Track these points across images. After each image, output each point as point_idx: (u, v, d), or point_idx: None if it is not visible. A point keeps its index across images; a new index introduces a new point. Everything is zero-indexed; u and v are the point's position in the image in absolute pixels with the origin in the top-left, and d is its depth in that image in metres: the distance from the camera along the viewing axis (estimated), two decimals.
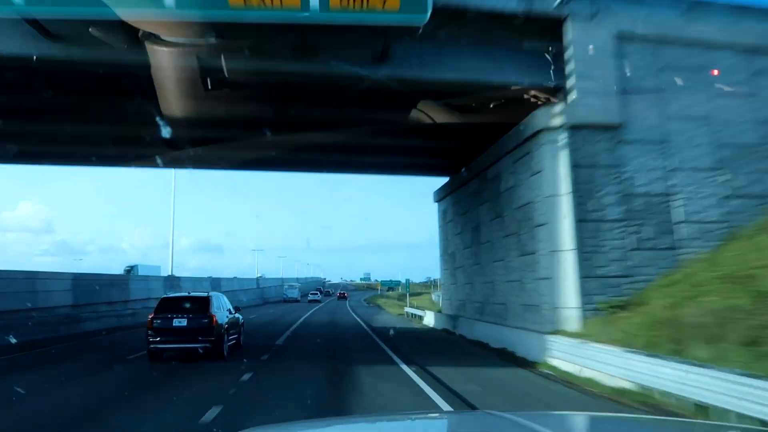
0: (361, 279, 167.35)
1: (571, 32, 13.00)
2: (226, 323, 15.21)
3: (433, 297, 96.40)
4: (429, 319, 28.00)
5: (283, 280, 79.51)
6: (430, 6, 9.67)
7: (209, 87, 12.45)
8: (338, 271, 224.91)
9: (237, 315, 17.01)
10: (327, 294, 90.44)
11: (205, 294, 15.22)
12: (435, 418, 3.50)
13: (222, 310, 15.53)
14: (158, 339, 14.01)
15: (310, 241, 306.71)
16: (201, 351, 14.17)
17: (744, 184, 13.38)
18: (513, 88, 13.75)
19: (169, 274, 41.02)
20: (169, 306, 14.60)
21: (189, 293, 15.80)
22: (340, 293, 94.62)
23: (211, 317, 14.36)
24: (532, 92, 13.84)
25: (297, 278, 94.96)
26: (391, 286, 72.20)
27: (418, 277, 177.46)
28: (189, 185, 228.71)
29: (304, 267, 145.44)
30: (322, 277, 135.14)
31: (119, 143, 18.12)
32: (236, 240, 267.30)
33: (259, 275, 77.73)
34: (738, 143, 13.53)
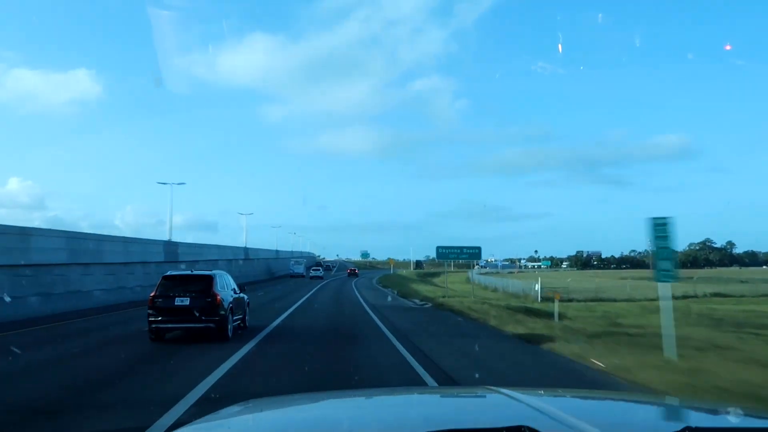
0: (361, 256, 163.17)
1: None
2: (231, 303, 14.86)
3: (474, 274, 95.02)
4: None
5: (277, 252, 79.96)
6: None
7: None
8: (334, 249, 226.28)
9: (242, 294, 16.66)
10: (328, 269, 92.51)
11: (209, 272, 14.84)
12: (435, 393, 3.57)
13: (226, 289, 15.19)
14: (160, 318, 13.69)
15: (302, 220, 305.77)
16: (204, 331, 13.86)
17: None
18: None
19: (168, 239, 42.91)
20: (171, 284, 14.23)
21: (192, 271, 15.43)
22: (350, 270, 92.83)
23: (214, 296, 14.02)
24: None
25: (291, 251, 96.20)
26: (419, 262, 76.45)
27: (414, 256, 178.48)
28: (183, 161, 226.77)
29: (298, 241, 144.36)
30: (315, 253, 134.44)
31: None
32: (231, 218, 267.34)
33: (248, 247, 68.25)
34: None
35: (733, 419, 1.80)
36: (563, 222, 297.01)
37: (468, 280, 72.86)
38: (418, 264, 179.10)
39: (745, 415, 1.86)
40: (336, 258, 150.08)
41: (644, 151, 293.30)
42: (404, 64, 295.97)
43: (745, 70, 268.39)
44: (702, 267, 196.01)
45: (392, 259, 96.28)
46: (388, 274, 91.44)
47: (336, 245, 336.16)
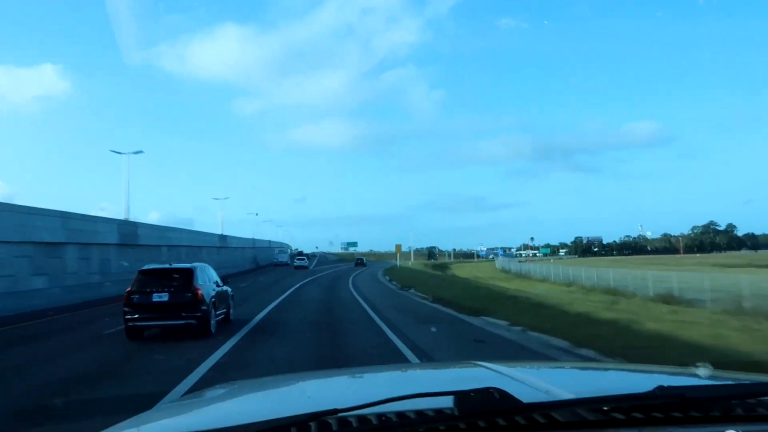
0: (342, 248, 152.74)
1: None
2: (213, 297, 14.43)
3: (499, 263, 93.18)
4: None
5: (254, 241, 79.29)
6: None
7: None
8: (312, 243, 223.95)
9: (225, 287, 16.24)
10: (307, 258, 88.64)
11: (189, 265, 14.39)
12: (420, 369, 3.67)
13: (208, 282, 14.76)
14: (136, 316, 13.23)
15: (280, 214, 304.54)
16: (185, 328, 13.41)
17: None
18: None
19: (125, 218, 37.44)
20: (148, 279, 13.78)
21: (171, 265, 14.96)
22: (357, 260, 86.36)
23: (195, 291, 13.56)
24: None
25: (269, 241, 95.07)
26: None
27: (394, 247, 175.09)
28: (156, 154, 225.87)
29: (277, 233, 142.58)
30: (291, 246, 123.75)
31: None
32: (207, 214, 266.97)
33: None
34: None
35: (702, 373, 1.88)
36: (541, 211, 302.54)
37: (504, 270, 68.13)
38: (431, 254, 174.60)
39: (713, 372, 1.92)
40: (316, 250, 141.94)
41: (618, 138, 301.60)
42: (379, 54, 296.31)
43: (713, 55, 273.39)
44: (710, 251, 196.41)
45: (399, 246, 71.21)
46: (393, 267, 72.88)
47: (314, 238, 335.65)
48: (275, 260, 78.61)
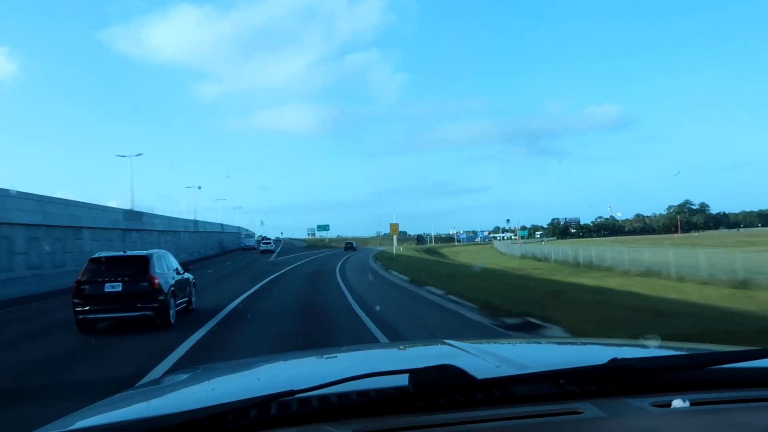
0: (309, 233, 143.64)
1: None
2: (173, 285, 13.70)
3: (500, 246, 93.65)
4: None
5: (222, 225, 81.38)
6: None
7: None
8: (277, 229, 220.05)
9: (186, 275, 15.52)
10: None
11: (145, 253, 13.59)
12: (388, 348, 3.65)
13: (167, 270, 14.01)
14: (87, 308, 12.45)
15: (244, 200, 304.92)
16: (142, 320, 12.68)
17: None
18: None
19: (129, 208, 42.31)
20: (100, 268, 12.97)
21: (125, 252, 14.14)
22: (347, 245, 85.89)
23: (152, 279, 12.81)
24: None
25: (238, 226, 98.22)
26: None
27: (366, 232, 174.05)
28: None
29: (242, 217, 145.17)
30: (252, 231, 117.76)
31: None
32: (168, 202, 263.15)
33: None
34: None
35: (652, 345, 2.04)
36: (508, 194, 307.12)
37: (521, 256, 59.97)
38: (420, 239, 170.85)
39: (662, 343, 2.07)
40: (280, 236, 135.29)
41: (581, 121, 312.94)
42: (342, 36, 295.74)
43: (672, 40, 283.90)
44: (688, 231, 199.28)
45: (395, 225, 59.88)
46: (382, 253, 63.12)
47: (280, 225, 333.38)
48: (243, 244, 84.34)
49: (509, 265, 40.88)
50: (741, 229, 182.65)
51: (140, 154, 41.28)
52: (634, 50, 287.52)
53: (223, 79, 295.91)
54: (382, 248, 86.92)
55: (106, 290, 12.51)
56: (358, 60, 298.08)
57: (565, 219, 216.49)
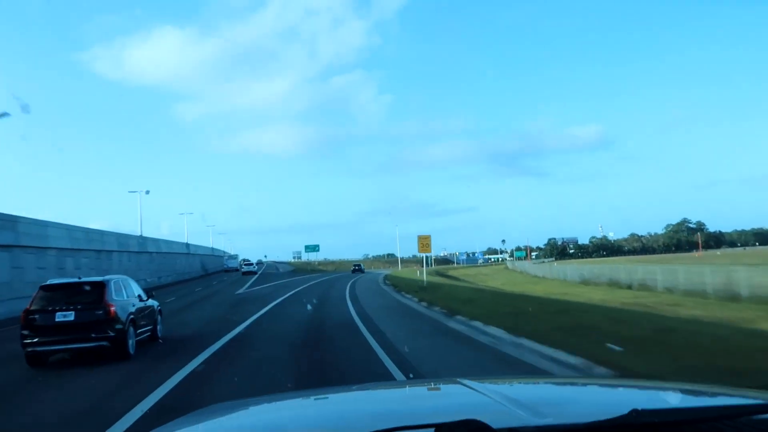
0: (295, 256, 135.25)
1: None
2: (133, 313, 13.01)
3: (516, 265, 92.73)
4: None
5: (213, 249, 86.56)
6: None
7: None
8: (260, 251, 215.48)
9: (150, 302, 14.88)
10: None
11: (101, 279, 12.91)
12: (401, 388, 3.62)
13: (127, 297, 13.33)
14: (36, 340, 11.73)
15: (228, 222, 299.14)
16: (97, 351, 11.97)
17: None
18: None
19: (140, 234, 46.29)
20: (51, 296, 12.25)
21: (79, 278, 13.42)
22: (355, 267, 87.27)
23: (107, 308, 12.12)
24: None
25: (224, 250, 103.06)
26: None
27: (354, 255, 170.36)
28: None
29: (226, 240, 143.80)
30: (229, 251, 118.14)
31: None
32: (151, 225, 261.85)
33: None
34: None
35: (674, 399, 2.07)
36: (490, 215, 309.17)
37: (559, 279, 54.37)
38: (446, 260, 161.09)
39: (686, 393, 2.13)
40: (264, 259, 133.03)
41: (562, 141, 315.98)
42: (326, 57, 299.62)
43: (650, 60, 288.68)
44: (689, 250, 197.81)
45: (426, 239, 35.44)
46: (396, 277, 54.38)
47: (263, 247, 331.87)
48: (225, 266, 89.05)
49: (615, 299, 28.94)
50: (747, 248, 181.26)
51: (149, 191, 44.46)
52: (611, 71, 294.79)
53: (206, 101, 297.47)
54: (385, 271, 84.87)
55: (57, 320, 11.80)
56: (342, 81, 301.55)
57: (563, 239, 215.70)
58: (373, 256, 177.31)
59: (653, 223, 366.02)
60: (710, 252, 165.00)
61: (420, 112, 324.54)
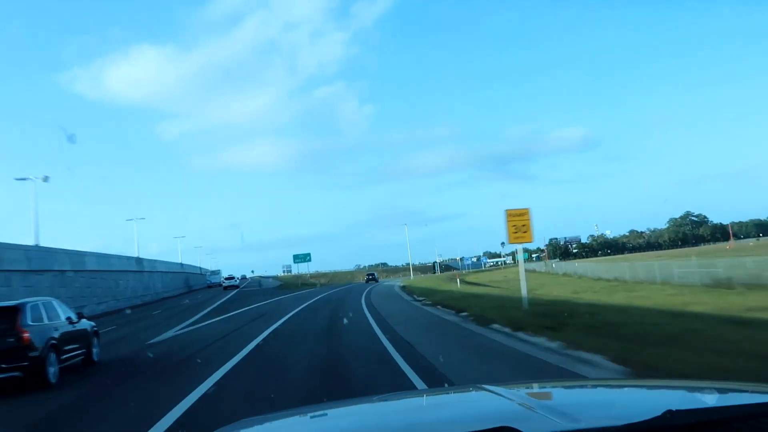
0: (285, 270, 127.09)
1: None
2: (55, 338, 12.23)
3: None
4: None
5: (182, 265, 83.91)
6: None
7: None
8: (248, 267, 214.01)
9: (83, 324, 14.11)
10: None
11: (14, 303, 12.11)
12: (426, 397, 3.49)
13: (50, 320, 12.53)
14: None
15: (216, 239, 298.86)
16: (10, 381, 11.14)
17: None
18: None
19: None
20: None
21: None
22: (368, 276, 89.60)
23: (20, 334, 11.34)
24: None
25: (211, 269, 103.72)
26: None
27: (345, 266, 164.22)
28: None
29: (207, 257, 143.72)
30: (207, 267, 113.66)
31: None
32: (130, 245, 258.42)
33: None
34: None
35: (709, 399, 2.00)
36: (480, 220, 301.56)
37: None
38: (448, 266, 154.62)
39: (720, 391, 2.08)
40: (251, 274, 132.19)
41: (549, 144, 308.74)
42: (307, 70, 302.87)
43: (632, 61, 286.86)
44: (696, 244, 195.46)
45: (521, 214, 19.76)
46: (415, 286, 51.15)
47: (254, 263, 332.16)
48: (208, 282, 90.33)
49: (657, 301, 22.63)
50: (760, 239, 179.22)
51: (47, 178, 37.61)
52: (594, 72, 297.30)
53: (188, 118, 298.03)
54: (395, 281, 79.71)
55: None
56: (325, 93, 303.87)
57: (565, 238, 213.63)
58: (365, 266, 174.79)
59: (647, 219, 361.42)
60: (712, 246, 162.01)
61: (405, 121, 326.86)
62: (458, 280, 57.27)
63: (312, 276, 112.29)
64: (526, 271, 27.11)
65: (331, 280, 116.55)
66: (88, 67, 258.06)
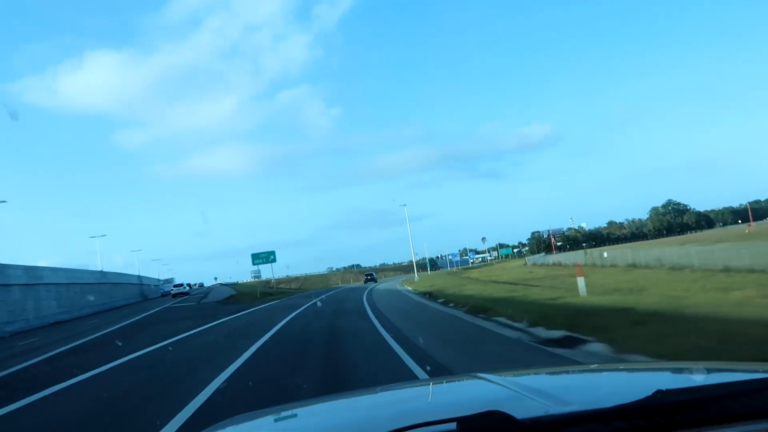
0: (254, 276, 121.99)
1: None
2: None
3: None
4: None
5: (140, 277, 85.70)
6: None
7: None
8: (211, 275, 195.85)
9: None
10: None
11: None
12: (420, 387, 3.50)
13: None
14: None
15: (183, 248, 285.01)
16: None
17: None
18: None
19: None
20: None
21: None
22: (367, 276, 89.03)
23: None
24: None
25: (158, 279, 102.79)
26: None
27: (316, 268, 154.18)
28: None
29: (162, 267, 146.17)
30: (175, 278, 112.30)
31: None
32: (92, 257, 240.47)
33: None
34: None
35: (699, 377, 1.94)
36: (452, 218, 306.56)
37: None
38: (433, 264, 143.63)
39: (710, 371, 2.04)
40: (214, 281, 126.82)
41: (514, 142, 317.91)
42: (270, 73, 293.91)
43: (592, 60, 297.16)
44: (682, 232, 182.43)
45: None
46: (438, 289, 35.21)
47: (221, 271, 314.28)
48: (162, 291, 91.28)
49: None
50: (752, 224, 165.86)
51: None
52: (555, 70, 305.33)
53: (150, 125, 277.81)
54: (391, 282, 69.56)
55: None
56: (289, 96, 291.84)
57: (548, 231, 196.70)
58: (337, 269, 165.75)
59: (625, 210, 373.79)
60: (704, 233, 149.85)
61: (372, 123, 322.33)
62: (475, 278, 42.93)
63: (280, 281, 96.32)
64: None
65: (303, 284, 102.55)
66: (42, 75, 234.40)
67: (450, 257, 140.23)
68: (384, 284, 68.66)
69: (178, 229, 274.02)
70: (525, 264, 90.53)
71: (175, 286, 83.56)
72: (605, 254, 58.56)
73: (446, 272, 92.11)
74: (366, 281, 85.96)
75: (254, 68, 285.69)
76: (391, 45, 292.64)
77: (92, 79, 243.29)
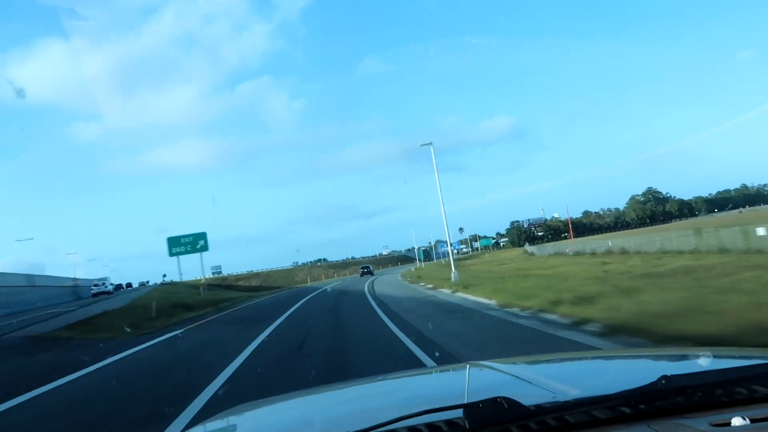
0: (214, 272, 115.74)
1: None
2: None
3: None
4: None
5: (75, 279, 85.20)
6: None
7: None
8: (165, 270, 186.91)
9: None
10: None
11: None
12: (425, 374, 3.66)
13: None
14: None
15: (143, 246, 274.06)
16: None
17: None
18: None
19: None
20: None
21: None
22: (363, 269, 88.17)
23: None
24: None
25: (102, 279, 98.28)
26: None
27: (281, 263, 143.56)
28: None
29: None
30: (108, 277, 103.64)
31: None
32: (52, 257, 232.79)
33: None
34: None
35: (703, 363, 2.01)
36: (417, 212, 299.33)
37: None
38: (428, 255, 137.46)
39: (714, 357, 2.05)
40: (164, 278, 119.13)
41: (477, 136, 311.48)
42: (230, 64, 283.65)
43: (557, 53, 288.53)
44: (665, 221, 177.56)
45: None
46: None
47: (183, 267, 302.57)
48: (92, 291, 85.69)
49: None
50: (742, 210, 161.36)
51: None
52: (516, 63, 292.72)
53: (102, 118, 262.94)
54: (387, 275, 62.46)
55: None
56: (250, 88, 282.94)
57: (529, 221, 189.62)
58: (303, 263, 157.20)
59: (601, 200, 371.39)
60: (704, 218, 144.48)
61: (334, 116, 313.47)
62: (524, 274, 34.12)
63: (240, 277, 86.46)
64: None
65: (265, 280, 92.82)
66: None
67: (436, 249, 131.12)
68: (382, 277, 61.92)
69: (136, 226, 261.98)
70: (525, 252, 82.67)
71: (95, 285, 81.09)
72: (609, 242, 49.97)
73: (439, 264, 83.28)
74: (362, 275, 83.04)
75: (213, 59, 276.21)
76: (355, 38, 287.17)
77: (41, 70, 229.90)
